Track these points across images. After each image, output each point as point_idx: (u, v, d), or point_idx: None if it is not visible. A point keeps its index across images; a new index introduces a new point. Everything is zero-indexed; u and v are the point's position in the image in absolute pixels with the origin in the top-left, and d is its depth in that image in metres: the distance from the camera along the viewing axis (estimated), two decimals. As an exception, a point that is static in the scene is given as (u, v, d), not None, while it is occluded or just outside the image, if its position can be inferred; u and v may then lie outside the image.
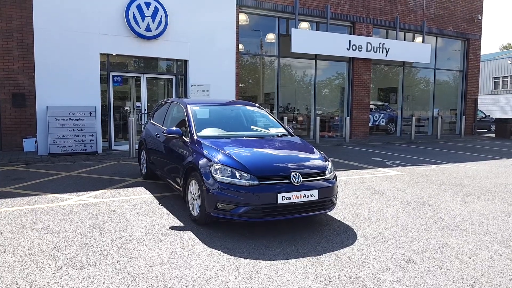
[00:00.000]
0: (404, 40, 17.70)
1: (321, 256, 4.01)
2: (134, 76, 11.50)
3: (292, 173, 4.49)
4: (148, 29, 10.64)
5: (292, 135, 5.91)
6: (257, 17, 14.45)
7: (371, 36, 16.32)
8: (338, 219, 5.29)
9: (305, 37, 14.79)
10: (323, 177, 4.75)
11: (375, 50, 16.12)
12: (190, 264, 3.71)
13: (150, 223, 4.87)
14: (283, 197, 4.37)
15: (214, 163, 4.55)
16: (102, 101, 10.73)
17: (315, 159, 4.97)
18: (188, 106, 5.87)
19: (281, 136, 5.79)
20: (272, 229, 4.75)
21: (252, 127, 5.99)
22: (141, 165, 7.42)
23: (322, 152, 5.30)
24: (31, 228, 4.55)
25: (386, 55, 16.41)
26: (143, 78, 11.30)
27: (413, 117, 17.63)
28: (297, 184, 4.47)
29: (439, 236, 4.68)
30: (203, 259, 3.84)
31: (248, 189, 4.33)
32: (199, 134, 5.33)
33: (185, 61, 11.73)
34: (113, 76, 10.95)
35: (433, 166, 9.80)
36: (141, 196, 6.15)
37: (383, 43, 16.24)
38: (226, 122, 5.90)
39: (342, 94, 17.07)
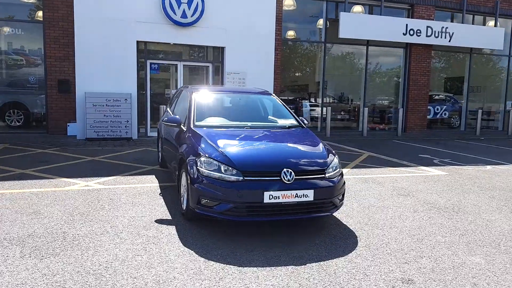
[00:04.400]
0: (473, 23, 15.91)
1: (303, 266, 3.53)
2: (171, 64, 11.50)
3: (284, 170, 4.02)
4: (184, 16, 10.50)
5: (302, 127, 5.38)
6: (303, 2, 13.78)
7: (433, 20, 14.84)
8: (345, 223, 4.72)
9: (355, 22, 13.83)
10: (322, 175, 4.21)
11: (436, 35, 14.64)
12: (152, 264, 3.44)
13: (139, 214, 4.68)
14: (270, 196, 3.93)
15: (201, 155, 4.22)
16: (140, 88, 10.88)
17: (316, 154, 4.44)
18: (193, 93, 5.58)
19: (289, 127, 5.29)
20: (264, 230, 4.32)
21: (260, 117, 5.56)
22: (159, 152, 7.33)
23: (329, 147, 4.74)
24: (22, 212, 4.56)
25: (449, 40, 14.85)
26: (180, 65, 11.25)
27: (480, 110, 15.86)
28: (288, 182, 3.99)
29: (459, 253, 3.95)
30: (169, 259, 3.54)
31: (232, 185, 3.95)
32: (197, 123, 5.02)
33: (222, 48, 11.47)
34: (151, 64, 11.01)
35: (488, 167, 8.63)
36: (147, 184, 6.01)
37: (446, 27, 14.70)
38: (233, 112, 5.54)
39: (397, 83, 15.85)
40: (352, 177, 7.15)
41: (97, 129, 9.97)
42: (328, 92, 16.73)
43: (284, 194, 3.97)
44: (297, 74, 16.03)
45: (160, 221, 4.47)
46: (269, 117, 5.62)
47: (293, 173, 4.04)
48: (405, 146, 11.78)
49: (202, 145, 4.38)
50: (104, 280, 3.13)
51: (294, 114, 5.65)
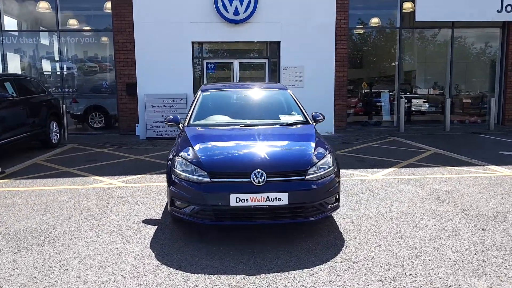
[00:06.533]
0: None
1: (255, 276, 3.22)
2: (226, 62, 11.62)
3: (255, 171, 3.71)
4: (236, 12, 10.50)
5: (308, 124, 4.94)
6: (375, -14, 12.80)
7: (536, -9, 12.52)
8: (342, 230, 4.21)
9: (435, 2, 12.32)
10: (301, 177, 3.80)
11: (541, 10, 12.33)
12: (106, 264, 3.45)
13: (134, 213, 4.77)
14: (238, 199, 3.66)
15: (177, 155, 4.13)
16: (198, 87, 11.21)
17: (298, 154, 4.04)
18: (200, 92, 5.53)
19: (290, 124, 4.89)
20: (245, 235, 4.06)
21: (264, 114, 5.24)
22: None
23: (323, 145, 4.24)
24: (34, 208, 4.97)
25: (560, 15, 12.38)
26: (235, 63, 11.29)
27: None
28: (258, 185, 3.68)
29: (461, 273, 3.23)
30: (124, 261, 3.52)
31: (198, 187, 3.78)
32: (193, 122, 4.95)
33: (278, 43, 11.19)
34: (207, 63, 11.26)
35: None
36: (165, 184, 6.12)
37: (553, -1, 12.27)
38: (237, 109, 5.32)
39: (491, 69, 13.80)
40: (392, 177, 6.39)
41: (156, 129, 10.55)
42: (417, 82, 15.40)
43: (253, 197, 3.67)
44: (373, 65, 15.03)
45: (147, 221, 4.50)
46: (277, 113, 5.27)
47: (264, 174, 3.71)
48: (490, 141, 10.19)
49: (183, 145, 4.28)
50: (50, 277, 3.24)
51: (304, 111, 5.21)
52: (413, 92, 14.83)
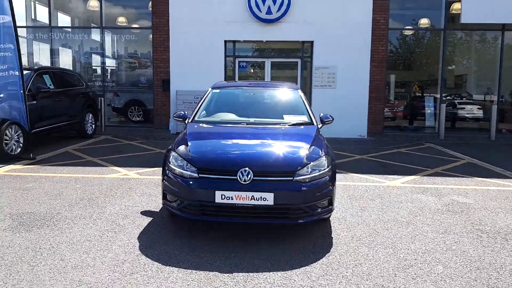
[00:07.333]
0: None
1: (227, 274, 3.22)
2: (258, 61, 11.62)
3: (241, 169, 3.70)
4: (268, 12, 10.47)
5: (312, 125, 4.84)
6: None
7: None
8: (335, 235, 4.08)
9: (483, 2, 11.55)
10: (289, 178, 3.73)
11: None
12: (90, 250, 3.60)
13: (136, 204, 4.92)
14: (223, 196, 3.67)
15: (173, 150, 4.21)
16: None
17: (288, 154, 3.96)
18: (210, 89, 5.59)
19: (293, 125, 4.81)
20: (236, 233, 4.06)
21: (270, 113, 5.18)
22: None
23: (319, 147, 4.13)
24: (48, 193, 5.27)
25: None
26: (267, 62, 11.26)
27: None
28: (244, 183, 3.66)
29: (445, 290, 3.02)
30: (109, 248, 3.65)
31: (187, 182, 3.83)
32: (197, 118, 5.02)
33: (311, 43, 11.01)
34: (239, 62, 11.34)
35: None
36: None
37: None
38: (244, 107, 5.32)
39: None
40: (410, 185, 6.09)
41: (186, 124, 10.79)
42: (467, 88, 14.62)
43: (238, 195, 3.66)
44: (426, 68, 14.43)
45: (144, 213, 4.62)
46: (283, 113, 5.19)
47: (251, 173, 3.68)
48: (535, 153, 9.41)
49: (181, 141, 4.35)
50: (37, 258, 3.42)
51: (310, 111, 5.10)
52: (461, 97, 14.06)
